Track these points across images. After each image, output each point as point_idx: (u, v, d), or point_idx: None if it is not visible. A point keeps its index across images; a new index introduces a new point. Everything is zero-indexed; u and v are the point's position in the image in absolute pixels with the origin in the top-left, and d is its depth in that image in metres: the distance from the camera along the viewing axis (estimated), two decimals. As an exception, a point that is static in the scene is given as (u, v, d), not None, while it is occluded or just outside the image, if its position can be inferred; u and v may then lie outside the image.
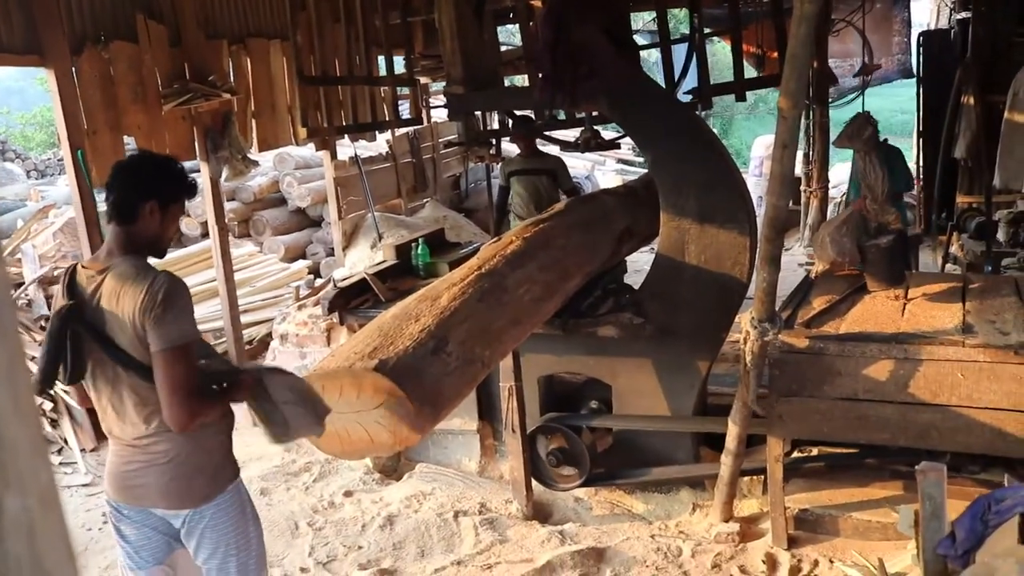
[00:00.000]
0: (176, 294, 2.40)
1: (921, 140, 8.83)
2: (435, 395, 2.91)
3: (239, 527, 2.63)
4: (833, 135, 8.68)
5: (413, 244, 5.42)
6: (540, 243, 4.01)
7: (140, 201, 2.47)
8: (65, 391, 5.79)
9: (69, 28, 5.58)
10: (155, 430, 2.50)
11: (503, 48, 7.64)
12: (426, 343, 3.01)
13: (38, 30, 5.31)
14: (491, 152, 5.12)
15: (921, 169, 9.01)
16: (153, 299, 2.35)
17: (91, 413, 5.90)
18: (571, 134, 6.71)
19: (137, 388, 2.47)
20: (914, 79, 10.08)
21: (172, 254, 8.69)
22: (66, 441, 5.68)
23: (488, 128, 6.42)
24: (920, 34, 8.87)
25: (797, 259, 8.95)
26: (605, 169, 14.41)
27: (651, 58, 16.26)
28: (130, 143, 6.43)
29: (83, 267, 2.54)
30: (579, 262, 4.17)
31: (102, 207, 6.42)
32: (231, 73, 7.04)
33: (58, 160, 16.73)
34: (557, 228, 4.23)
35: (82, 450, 5.66)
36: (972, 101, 6.91)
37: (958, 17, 8.47)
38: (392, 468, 4.93)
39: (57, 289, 2.57)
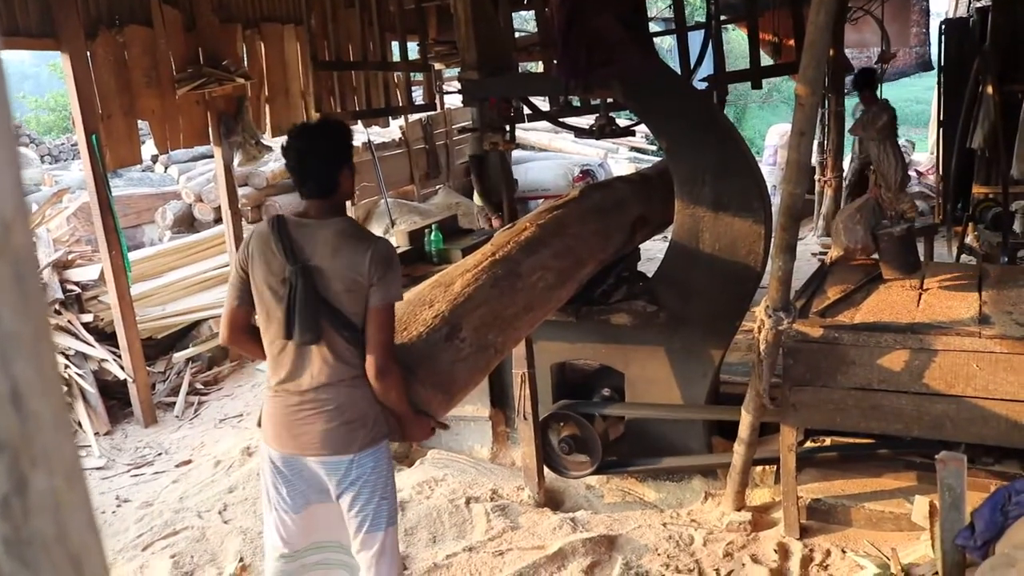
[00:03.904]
0: (396, 259, 2.69)
1: (941, 130, 8.75)
2: (448, 381, 2.94)
3: (390, 477, 2.81)
4: (848, 124, 8.62)
5: (426, 230, 5.41)
6: (554, 230, 3.99)
7: (336, 174, 2.68)
8: (80, 375, 5.82)
9: (84, 12, 5.59)
10: (329, 379, 2.66)
11: (518, 35, 7.60)
12: (439, 328, 3.03)
13: (53, 14, 5.31)
14: (505, 139, 5.08)
15: (940, 159, 8.93)
16: (381, 258, 2.60)
17: (104, 397, 5.94)
18: (585, 121, 6.67)
19: (332, 339, 2.63)
20: (931, 71, 9.99)
21: (185, 239, 8.72)
22: (80, 424, 5.71)
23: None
24: (942, 22, 8.79)
25: (811, 248, 8.91)
26: (619, 157, 14.35)
27: (665, 45, 16.19)
28: (143, 127, 6.45)
29: (293, 223, 2.68)
30: (592, 250, 4.15)
31: (116, 192, 6.44)
32: (245, 58, 7.05)
33: (72, 145, 16.77)
34: (571, 215, 4.22)
35: (96, 433, 5.69)
36: (991, 90, 6.84)
37: (977, 5, 8.40)
38: (404, 454, 4.93)
39: (263, 239, 2.69)
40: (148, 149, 8.03)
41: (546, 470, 4.36)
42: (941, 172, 8.76)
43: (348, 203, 8.55)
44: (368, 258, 2.57)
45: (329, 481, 2.74)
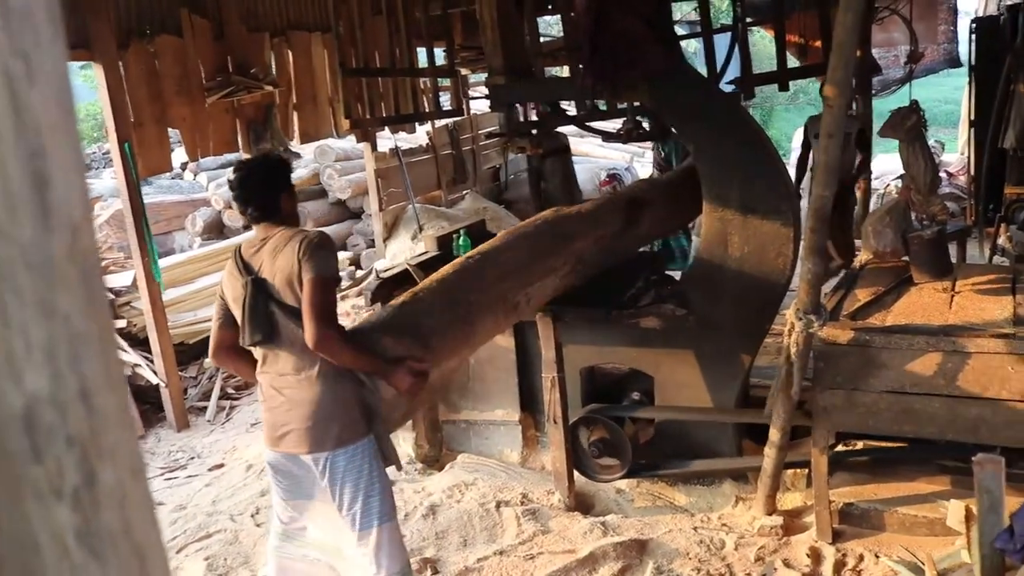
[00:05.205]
0: (327, 241, 2.90)
1: (973, 130, 8.67)
2: (414, 327, 3.20)
3: (372, 473, 2.92)
4: (877, 126, 8.54)
5: (455, 235, 5.43)
6: (521, 226, 4.23)
7: (275, 199, 2.95)
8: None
9: (116, 23, 5.66)
10: (298, 374, 2.87)
11: (543, 39, 7.62)
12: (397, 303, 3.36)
13: (86, 25, 5.39)
14: (532, 143, 5.10)
15: (971, 160, 8.83)
16: (310, 242, 2.81)
17: (138, 401, 6.01)
18: (612, 125, 6.68)
19: (290, 332, 2.84)
20: (960, 68, 9.87)
21: (216, 245, 8.81)
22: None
23: (528, 119, 6.42)
24: (972, 21, 8.69)
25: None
26: (645, 160, 14.32)
27: (690, 48, 16.15)
28: (173, 135, 6.53)
29: (245, 245, 2.99)
30: (581, 227, 4.24)
31: (146, 199, 6.52)
32: (273, 66, 7.11)
33: (103, 154, 16.97)
34: (542, 217, 4.36)
35: (129, 438, 5.75)
36: (1023, 89, 6.77)
37: (1008, 3, 8.30)
38: (434, 458, 4.95)
39: (228, 267, 3.00)
40: (177, 156, 8.12)
41: (576, 474, 4.36)
42: (972, 173, 8.67)
43: (376, 209, 8.62)
44: (298, 246, 2.80)
45: (317, 477, 2.93)
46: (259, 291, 2.85)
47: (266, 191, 2.95)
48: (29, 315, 0.39)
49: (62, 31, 0.41)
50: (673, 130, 6.16)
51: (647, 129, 5.53)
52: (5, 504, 0.39)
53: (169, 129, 6.33)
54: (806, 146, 6.93)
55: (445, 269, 3.66)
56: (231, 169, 3.11)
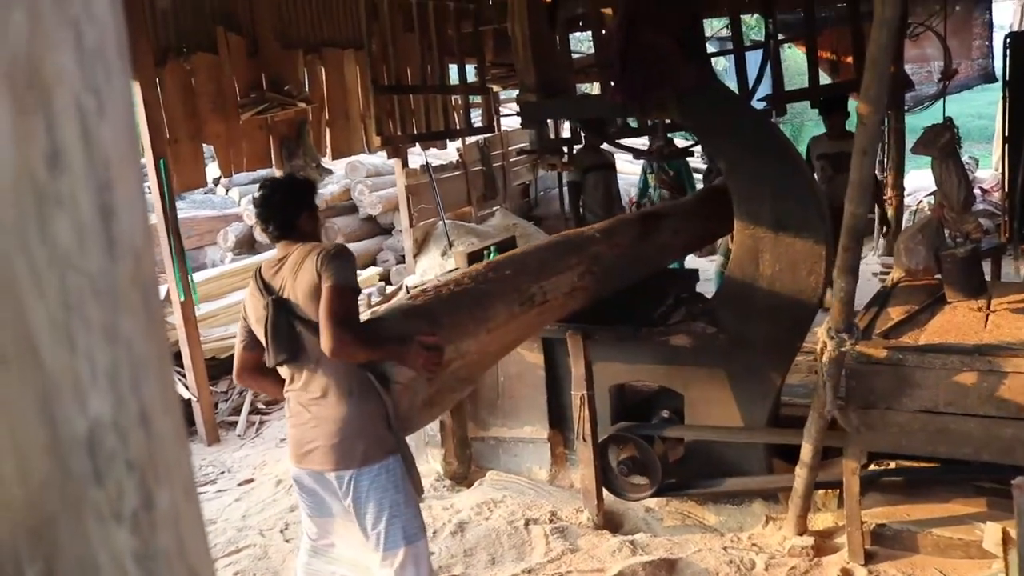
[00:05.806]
0: (344, 251, 2.89)
1: (1007, 146, 8.58)
2: (425, 312, 3.24)
3: (398, 493, 2.91)
4: (910, 142, 8.46)
5: (485, 251, 5.45)
6: (535, 244, 4.41)
7: (296, 217, 2.97)
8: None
9: (153, 40, 5.75)
10: (323, 392, 2.87)
11: (574, 56, 7.64)
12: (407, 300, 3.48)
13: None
14: (562, 160, 5.12)
15: (1005, 176, 8.73)
16: (327, 253, 2.82)
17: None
18: (643, 142, 6.67)
19: (315, 349, 2.81)
20: (995, 83, 9.78)
21: (247, 260, 8.89)
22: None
23: (559, 136, 6.43)
24: (1007, 36, 8.61)
25: (871, 268, 8.76)
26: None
27: (719, 65, 16.09)
28: (207, 150, 6.61)
29: (265, 265, 3.03)
30: (593, 239, 4.35)
31: (179, 214, 6.60)
32: (306, 82, 7.19)
33: (137, 169, 17.15)
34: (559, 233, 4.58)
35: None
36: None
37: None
38: (463, 475, 4.95)
39: (249, 289, 3.03)
40: (210, 171, 8.21)
41: (605, 492, 4.35)
42: (1007, 189, 8.57)
43: (407, 225, 8.67)
44: (316, 258, 2.81)
45: (341, 495, 2.93)
46: (281, 311, 2.85)
47: (287, 209, 2.97)
48: (95, 341, 0.40)
49: (129, 65, 0.43)
50: (691, 149, 6.18)
51: (677, 146, 5.53)
52: (68, 526, 0.40)
53: (204, 145, 6.42)
54: (808, 168, 6.93)
55: (455, 283, 3.74)
56: (258, 186, 3.16)
